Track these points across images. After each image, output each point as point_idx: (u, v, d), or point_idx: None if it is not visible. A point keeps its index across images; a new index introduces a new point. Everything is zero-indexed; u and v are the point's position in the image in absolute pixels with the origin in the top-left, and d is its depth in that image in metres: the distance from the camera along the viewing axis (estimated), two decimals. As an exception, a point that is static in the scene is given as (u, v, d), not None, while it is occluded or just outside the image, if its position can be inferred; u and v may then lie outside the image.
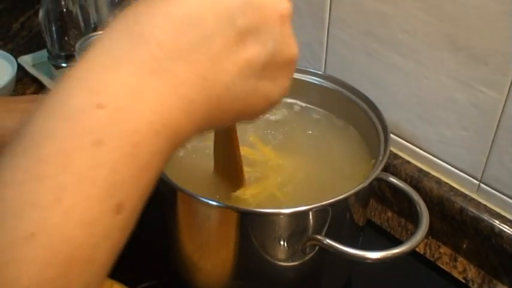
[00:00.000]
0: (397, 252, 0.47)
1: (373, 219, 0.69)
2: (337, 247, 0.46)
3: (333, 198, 0.46)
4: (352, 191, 0.46)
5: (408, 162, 0.67)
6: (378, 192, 0.69)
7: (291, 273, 0.52)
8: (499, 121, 0.56)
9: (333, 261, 0.54)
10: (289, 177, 0.55)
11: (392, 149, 0.68)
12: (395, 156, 0.68)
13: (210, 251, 0.52)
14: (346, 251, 0.46)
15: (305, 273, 0.53)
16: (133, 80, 0.28)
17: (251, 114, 0.35)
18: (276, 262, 0.50)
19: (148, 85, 0.28)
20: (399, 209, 0.68)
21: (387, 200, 0.69)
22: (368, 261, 0.47)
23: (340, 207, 0.48)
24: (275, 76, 0.34)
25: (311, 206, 0.45)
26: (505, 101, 0.55)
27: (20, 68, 0.85)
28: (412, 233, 0.66)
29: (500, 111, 0.56)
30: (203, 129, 0.32)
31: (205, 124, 0.32)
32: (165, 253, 0.57)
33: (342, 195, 0.46)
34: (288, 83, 0.35)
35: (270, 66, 0.33)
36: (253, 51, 0.32)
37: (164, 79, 0.28)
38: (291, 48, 0.34)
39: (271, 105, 0.35)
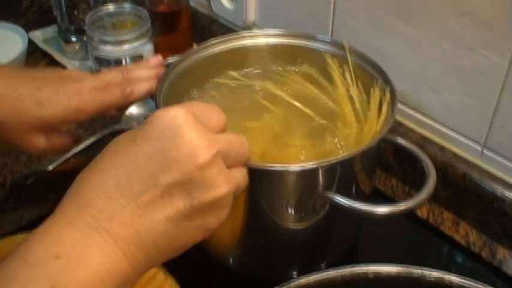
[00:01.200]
0: (404, 209, 0.48)
1: (377, 186, 0.70)
2: (346, 203, 0.48)
3: (342, 156, 0.47)
4: (361, 149, 0.48)
5: (412, 130, 0.68)
6: (382, 160, 0.70)
7: (300, 233, 0.54)
8: (503, 86, 0.58)
9: (341, 222, 0.56)
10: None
11: (396, 117, 0.69)
12: (400, 124, 0.69)
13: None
14: (356, 207, 0.48)
15: (314, 233, 0.54)
16: (81, 237, 0.35)
17: (191, 244, 0.40)
18: (286, 220, 0.52)
19: (93, 242, 0.35)
20: (403, 176, 0.70)
21: (391, 167, 0.70)
22: (376, 216, 0.48)
23: (349, 165, 0.50)
24: (207, 213, 0.38)
25: (319, 163, 0.47)
26: (509, 66, 0.56)
27: (31, 43, 0.87)
28: (416, 200, 0.68)
29: (504, 76, 0.57)
30: (147, 269, 0.38)
31: (147, 266, 0.38)
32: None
33: (350, 153, 0.48)
34: (224, 213, 0.39)
35: (199, 208, 0.37)
36: (179, 202, 0.37)
37: (105, 236, 0.35)
38: (215, 190, 0.37)
39: (210, 233, 0.40)
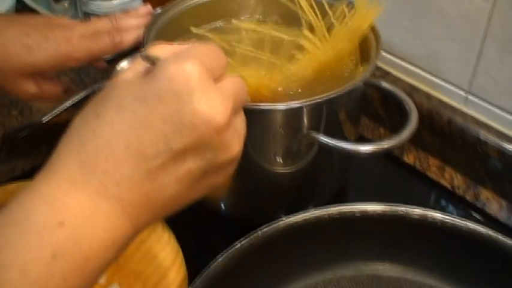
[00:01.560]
0: (387, 147, 0.50)
1: (366, 135, 0.72)
2: (331, 142, 0.49)
3: (326, 95, 0.48)
4: (345, 89, 0.49)
5: (399, 79, 0.69)
6: (370, 109, 0.71)
7: (287, 176, 0.55)
8: (486, 31, 0.59)
9: (329, 165, 0.58)
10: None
11: (383, 66, 0.70)
12: (387, 73, 0.70)
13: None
14: (340, 146, 0.49)
15: (302, 176, 0.56)
16: (88, 203, 0.33)
17: (197, 200, 0.38)
18: (273, 162, 0.53)
19: (99, 208, 0.33)
20: (391, 125, 0.71)
21: (379, 117, 0.71)
22: (361, 155, 0.50)
23: (333, 105, 0.51)
24: (218, 172, 0.37)
25: (304, 102, 0.48)
26: (491, 10, 0.57)
27: (19, 1, 0.86)
28: (404, 148, 0.70)
29: (487, 20, 0.58)
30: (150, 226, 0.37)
31: (151, 224, 0.37)
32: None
33: (335, 92, 0.49)
34: (232, 168, 0.38)
35: (212, 169, 0.36)
36: (192, 165, 0.35)
37: (113, 202, 0.33)
38: (230, 151, 0.36)
39: (216, 188, 0.39)
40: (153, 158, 0.34)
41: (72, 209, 0.32)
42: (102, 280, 0.50)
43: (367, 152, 0.49)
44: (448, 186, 0.66)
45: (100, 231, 0.33)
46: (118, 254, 0.35)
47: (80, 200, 0.33)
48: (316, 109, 0.49)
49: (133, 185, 0.34)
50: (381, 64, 0.70)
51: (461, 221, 0.51)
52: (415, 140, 0.68)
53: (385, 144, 0.49)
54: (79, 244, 0.32)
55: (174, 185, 0.35)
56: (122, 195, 0.33)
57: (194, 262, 0.54)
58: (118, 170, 0.33)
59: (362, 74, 0.51)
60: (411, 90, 0.68)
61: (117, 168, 0.33)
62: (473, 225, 0.51)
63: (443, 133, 0.66)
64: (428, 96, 0.67)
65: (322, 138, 0.50)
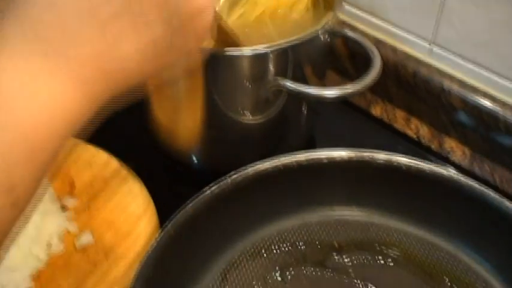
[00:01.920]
0: (351, 91, 0.51)
1: (333, 90, 0.73)
2: (297, 87, 0.50)
3: (291, 40, 0.49)
4: (309, 35, 0.50)
5: (365, 33, 0.70)
6: (338, 65, 0.72)
7: (256, 124, 0.56)
8: (448, -20, 0.60)
9: (295, 115, 0.59)
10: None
11: (350, 20, 0.71)
12: (354, 28, 0.71)
13: (179, 105, 0.55)
14: (306, 91, 0.50)
15: (270, 125, 0.57)
16: (25, 68, 0.27)
17: (159, 72, 0.34)
18: (241, 110, 0.54)
19: (41, 73, 0.27)
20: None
21: (347, 72, 0.73)
22: (326, 99, 0.51)
23: (299, 52, 0.51)
24: (188, 33, 0.33)
25: (270, 46, 0.48)
26: (453, -42, 0.58)
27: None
28: (371, 101, 0.71)
29: (449, -31, 0.59)
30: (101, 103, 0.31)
31: (106, 97, 0.31)
32: (143, 123, 0.61)
33: (299, 39, 0.49)
34: (199, 31, 0.34)
35: (181, 34, 0.32)
36: (158, 32, 0.31)
37: (58, 63, 0.28)
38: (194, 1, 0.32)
39: (188, 54, 0.35)
40: (104, 3, 0.29)
41: (12, 85, 0.27)
42: (74, 228, 0.51)
43: (332, 96, 0.50)
44: (414, 137, 0.68)
45: (47, 111, 0.27)
46: (73, 130, 0.29)
47: (15, 65, 0.27)
48: (281, 55, 0.50)
49: (82, 40, 0.28)
50: (347, 18, 0.71)
51: (425, 164, 0.53)
52: (382, 93, 0.70)
53: (349, 89, 0.50)
54: (22, 128, 0.27)
55: (137, 56, 0.30)
56: (68, 53, 0.28)
57: (166, 212, 0.54)
58: (62, 20, 0.28)
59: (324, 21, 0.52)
60: (377, 44, 0.68)
61: (61, 17, 0.28)
62: (437, 168, 0.53)
63: (409, 85, 0.67)
64: (394, 49, 0.68)
65: (288, 84, 0.50)
